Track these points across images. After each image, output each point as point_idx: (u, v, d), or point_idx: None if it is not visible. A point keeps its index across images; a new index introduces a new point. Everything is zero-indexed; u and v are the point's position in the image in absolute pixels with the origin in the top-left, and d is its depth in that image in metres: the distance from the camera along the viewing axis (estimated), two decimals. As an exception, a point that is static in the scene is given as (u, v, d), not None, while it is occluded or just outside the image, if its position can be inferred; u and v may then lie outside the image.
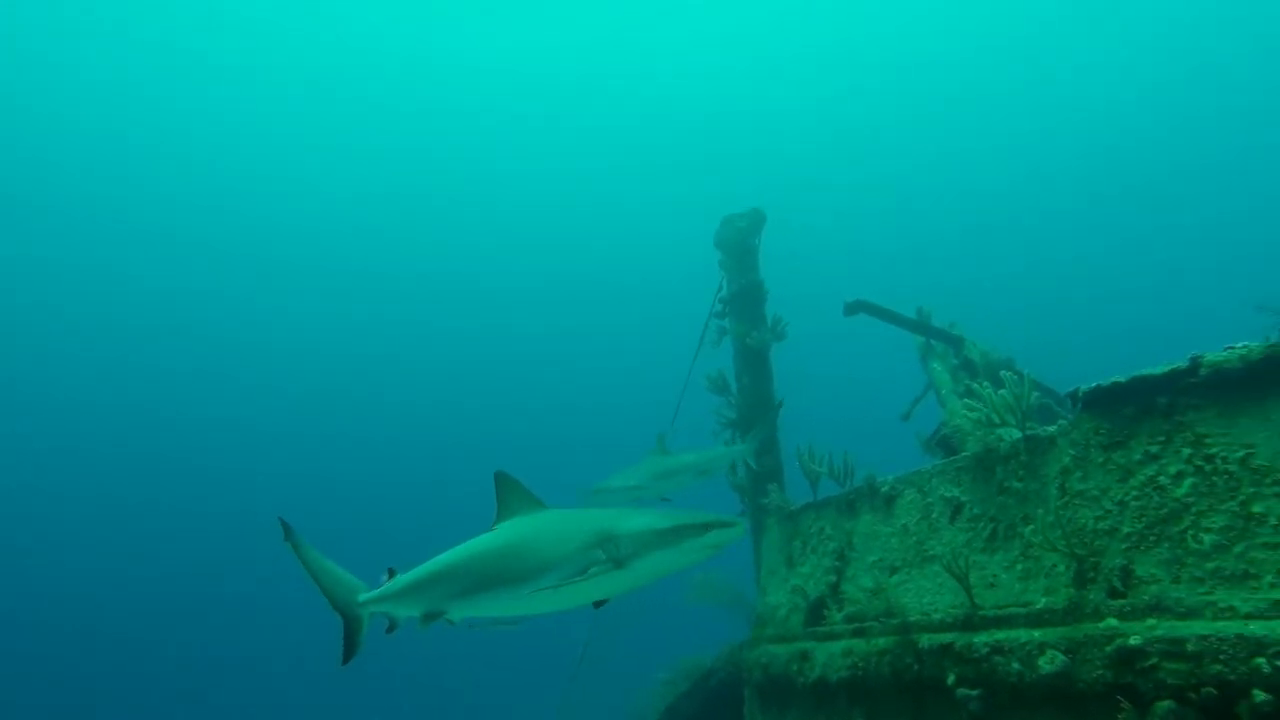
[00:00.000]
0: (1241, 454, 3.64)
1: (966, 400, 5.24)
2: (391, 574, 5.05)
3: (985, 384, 5.26)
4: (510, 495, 4.82)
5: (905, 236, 48.47)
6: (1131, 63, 46.00)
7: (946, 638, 4.39)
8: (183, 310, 49.82)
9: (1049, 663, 3.76)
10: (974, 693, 4.09)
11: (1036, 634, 3.94)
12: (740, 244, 9.20)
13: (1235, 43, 43.73)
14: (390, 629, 5.13)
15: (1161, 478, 3.90)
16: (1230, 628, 3.21)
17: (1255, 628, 3.13)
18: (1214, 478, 3.69)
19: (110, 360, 48.65)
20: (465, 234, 54.06)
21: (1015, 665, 3.93)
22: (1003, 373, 5.26)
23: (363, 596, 5.09)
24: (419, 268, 53.51)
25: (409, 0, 49.78)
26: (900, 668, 4.63)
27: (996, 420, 4.89)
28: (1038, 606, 4.10)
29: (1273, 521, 3.40)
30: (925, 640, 4.52)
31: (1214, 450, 3.75)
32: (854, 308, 8.02)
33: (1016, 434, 4.79)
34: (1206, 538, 3.60)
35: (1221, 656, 3.15)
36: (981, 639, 4.18)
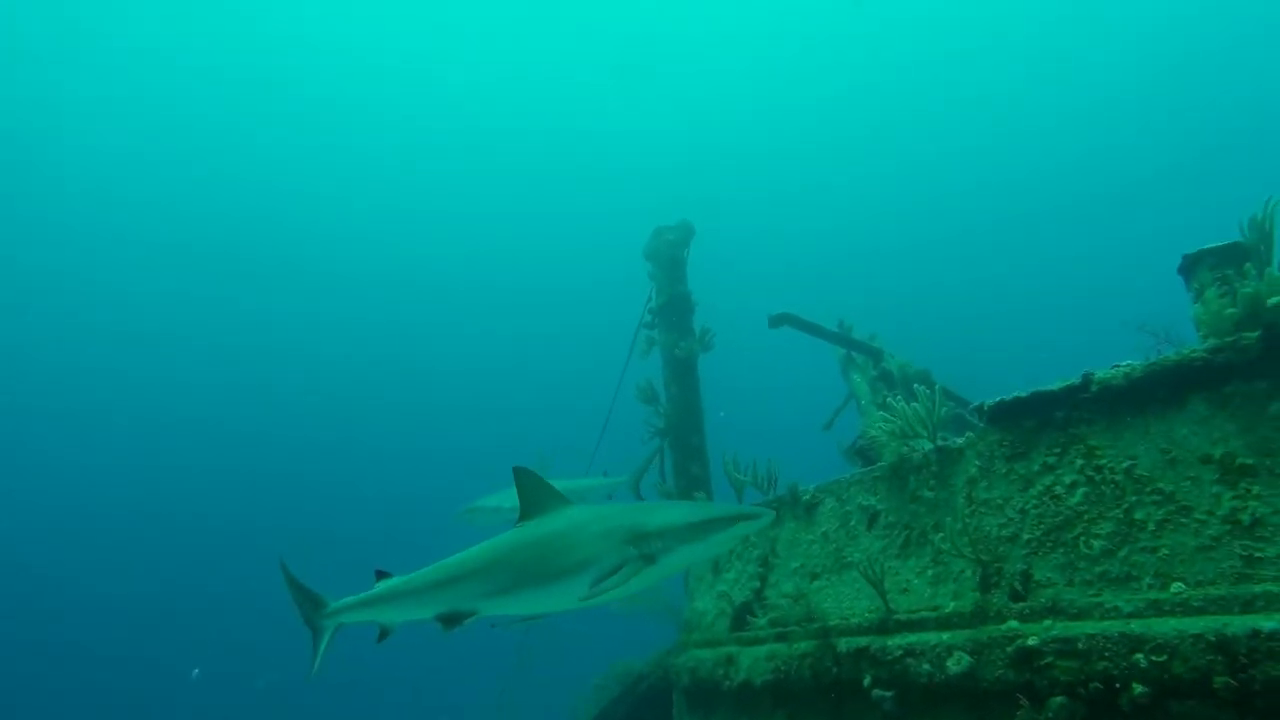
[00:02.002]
0: (1126, 464, 3.94)
1: (882, 412, 5.49)
2: (379, 577, 4.89)
3: (899, 396, 5.52)
4: (532, 491, 4.73)
5: (829, 251, 50.00)
6: (1030, 96, 48.60)
7: (863, 641, 4.60)
8: (161, 317, 49.36)
9: (956, 664, 4.00)
10: (888, 693, 4.31)
11: (945, 636, 4.17)
12: (670, 256, 9.37)
13: (1116, 79, 46.59)
14: (382, 637, 4.94)
15: (1057, 487, 4.19)
16: (1115, 626, 3.48)
17: (1136, 626, 3.40)
18: (1103, 487, 3.99)
19: (104, 367, 48.26)
20: (438, 240, 54.29)
21: (926, 666, 4.16)
22: (916, 386, 5.53)
23: (332, 605, 4.95)
24: (393, 273, 53.78)
25: (387, 10, 49.64)
26: (820, 670, 4.83)
27: (910, 432, 5.14)
28: (946, 610, 4.34)
29: (1151, 528, 3.70)
30: (843, 644, 4.73)
31: (1103, 461, 4.05)
32: (778, 320, 8.27)
33: (928, 445, 5.05)
34: (1096, 543, 3.89)
35: (1107, 653, 3.40)
36: (895, 642, 4.40)
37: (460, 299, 54.36)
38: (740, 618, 6.08)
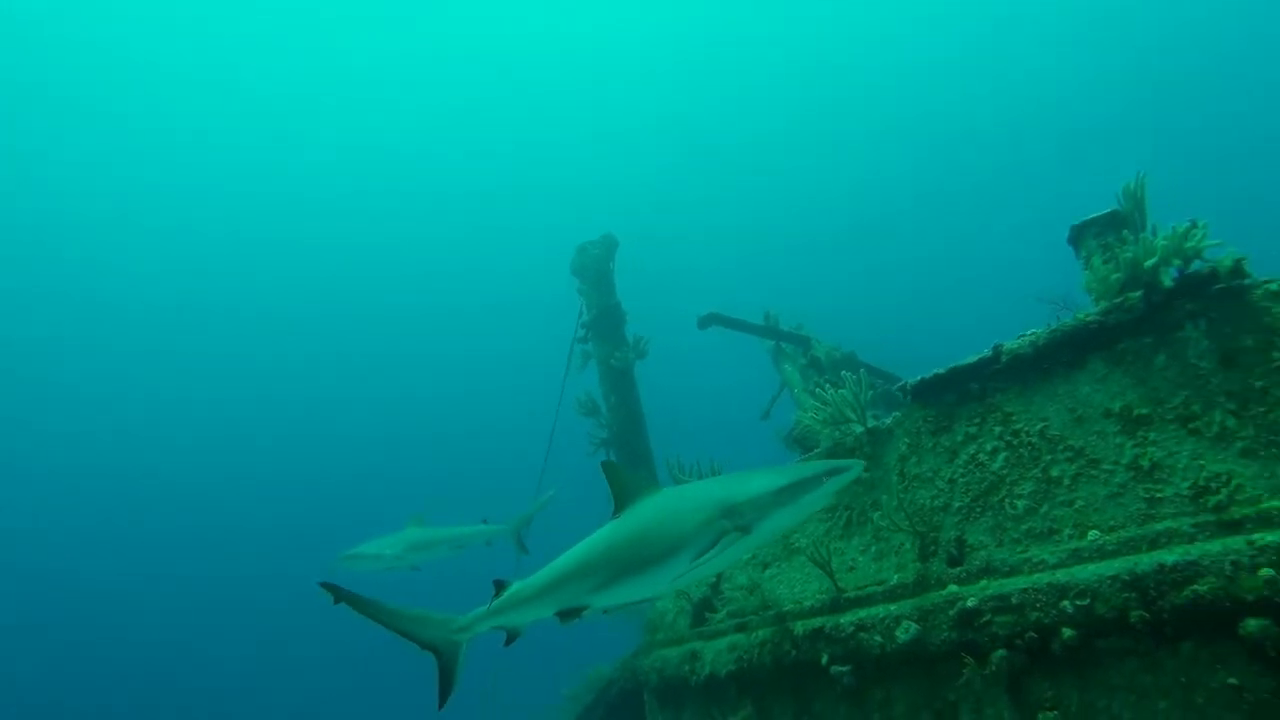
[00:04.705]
0: (1039, 426, 4.23)
1: (812, 402, 5.71)
2: (499, 586, 4.84)
3: (827, 385, 5.76)
4: (623, 482, 4.73)
5: (752, 249, 50.93)
6: (935, 89, 50.42)
7: (817, 622, 4.79)
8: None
9: (904, 632, 4.21)
10: (845, 668, 4.51)
11: (893, 608, 4.39)
12: (596, 270, 9.52)
13: (1020, 64, 48.68)
14: (509, 641, 4.87)
15: (980, 455, 4.46)
16: (1043, 579, 3.73)
17: (1061, 575, 3.66)
18: (1020, 450, 4.27)
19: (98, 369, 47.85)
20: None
21: (877, 639, 4.36)
22: (842, 373, 5.78)
23: (463, 619, 4.80)
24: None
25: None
26: (780, 655, 5.01)
27: (841, 418, 5.37)
28: (891, 583, 4.57)
29: (1066, 483, 3.98)
30: (799, 627, 4.91)
31: (1019, 426, 4.33)
32: (707, 321, 8.48)
33: (859, 428, 5.29)
34: (1019, 503, 4.16)
35: (1038, 604, 3.65)
36: (847, 619, 4.60)
37: (387, 327, 53.60)
38: (700, 614, 6.23)
